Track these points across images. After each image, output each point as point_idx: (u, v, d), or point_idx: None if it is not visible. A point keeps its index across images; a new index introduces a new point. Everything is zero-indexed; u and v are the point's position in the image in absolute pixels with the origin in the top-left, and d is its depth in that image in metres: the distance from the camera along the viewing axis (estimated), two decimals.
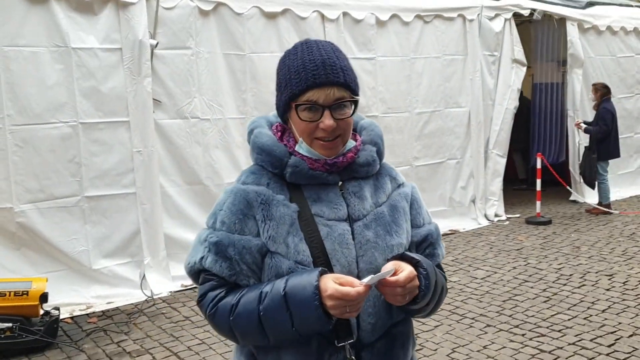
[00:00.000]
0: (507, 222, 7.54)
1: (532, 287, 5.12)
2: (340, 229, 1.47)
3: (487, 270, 5.64)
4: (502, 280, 5.35)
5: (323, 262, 1.42)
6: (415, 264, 1.43)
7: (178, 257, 5.12)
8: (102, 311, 4.76)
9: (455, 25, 7.12)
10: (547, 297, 4.88)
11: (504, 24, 7.43)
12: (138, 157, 5.09)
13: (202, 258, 1.46)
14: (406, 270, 1.38)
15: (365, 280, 1.33)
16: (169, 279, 5.20)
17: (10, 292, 3.95)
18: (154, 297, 4.98)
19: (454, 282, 5.32)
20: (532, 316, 4.48)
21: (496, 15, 7.40)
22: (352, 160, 1.51)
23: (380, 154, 1.58)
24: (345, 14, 6.25)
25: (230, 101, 5.65)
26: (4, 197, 4.59)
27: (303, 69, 1.44)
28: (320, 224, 1.46)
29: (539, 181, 7.58)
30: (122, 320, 4.59)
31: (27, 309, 3.98)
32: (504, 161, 7.64)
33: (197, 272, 1.49)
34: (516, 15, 7.63)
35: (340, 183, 1.52)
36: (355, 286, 1.32)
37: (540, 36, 8.80)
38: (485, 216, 7.54)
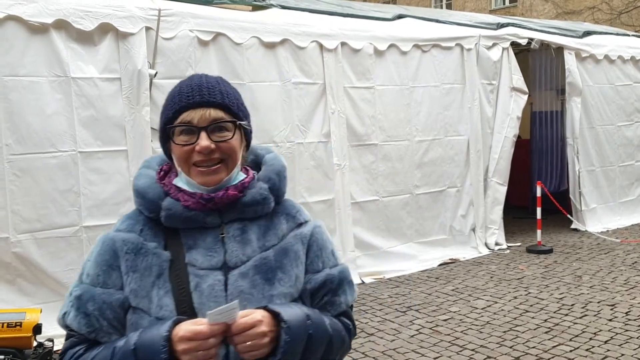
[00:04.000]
0: (508, 251, 7.48)
1: (533, 318, 5.05)
2: (212, 279, 1.32)
3: (487, 300, 5.57)
4: (502, 310, 5.28)
5: (189, 318, 1.26)
6: (275, 316, 1.26)
7: None
8: None
9: (453, 55, 7.16)
10: (549, 327, 4.81)
11: (501, 53, 7.48)
12: None
13: (65, 314, 1.36)
14: (248, 317, 1.22)
15: (206, 319, 1.19)
16: None
17: (3, 323, 3.87)
18: None
19: (454, 312, 5.25)
20: (534, 347, 4.41)
21: (494, 45, 7.46)
22: (235, 199, 1.36)
23: (275, 190, 1.42)
24: (343, 43, 6.29)
25: None
26: (0, 227, 4.56)
27: (178, 94, 1.37)
28: (192, 274, 1.31)
29: (539, 209, 7.55)
30: None
31: (20, 340, 3.90)
32: (504, 189, 7.60)
33: (64, 328, 1.39)
34: (514, 44, 7.69)
35: (223, 226, 1.37)
36: None
37: (539, 65, 8.88)
38: (486, 245, 7.48)
